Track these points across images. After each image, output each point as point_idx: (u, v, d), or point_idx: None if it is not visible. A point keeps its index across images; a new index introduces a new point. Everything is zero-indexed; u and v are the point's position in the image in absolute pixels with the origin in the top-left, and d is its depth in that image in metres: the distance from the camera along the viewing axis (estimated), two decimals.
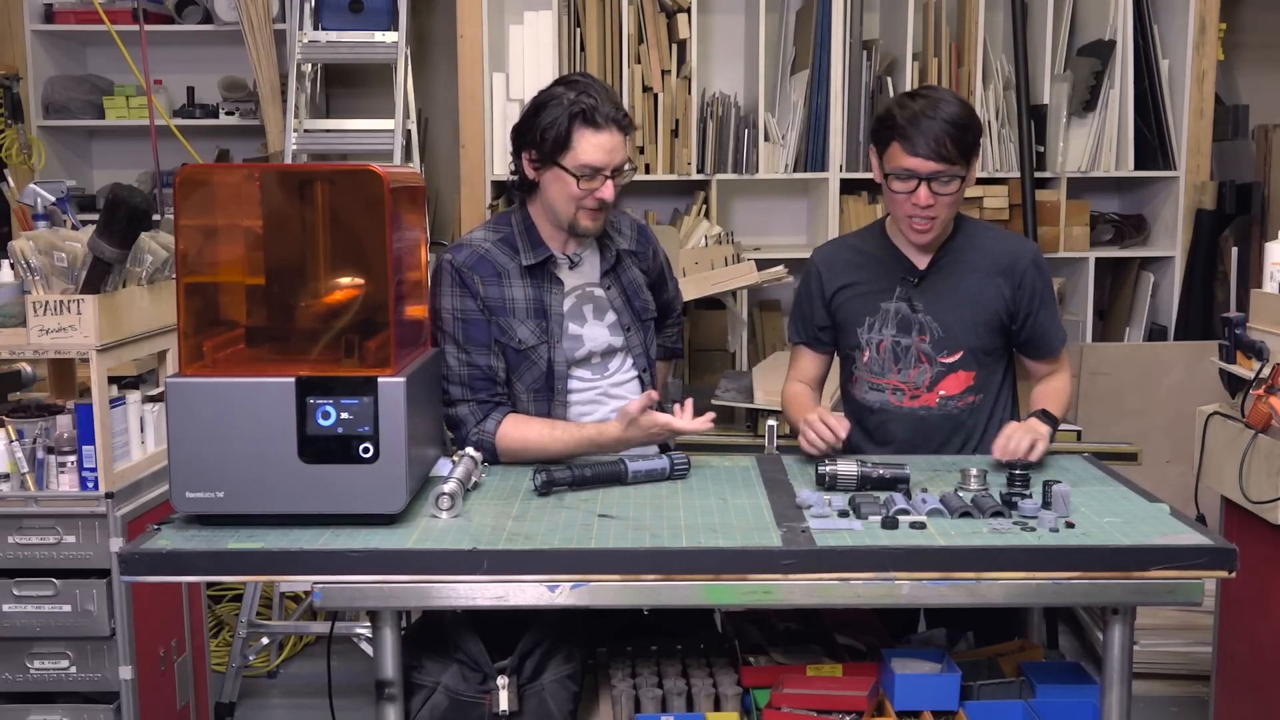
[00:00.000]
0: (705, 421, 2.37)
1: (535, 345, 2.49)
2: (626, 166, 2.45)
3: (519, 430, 2.47)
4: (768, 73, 4.53)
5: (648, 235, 2.72)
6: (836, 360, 2.74)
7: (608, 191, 2.42)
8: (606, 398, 2.58)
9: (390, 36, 4.38)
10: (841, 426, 2.43)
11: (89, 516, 2.80)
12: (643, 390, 2.60)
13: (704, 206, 4.52)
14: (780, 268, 4.06)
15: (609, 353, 2.58)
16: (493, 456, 2.46)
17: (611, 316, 2.58)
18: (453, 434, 2.53)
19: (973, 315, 2.56)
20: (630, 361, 2.61)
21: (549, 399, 2.52)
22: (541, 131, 2.39)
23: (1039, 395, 2.65)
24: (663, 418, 2.36)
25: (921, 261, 2.58)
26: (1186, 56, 4.50)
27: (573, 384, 2.54)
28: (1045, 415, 2.51)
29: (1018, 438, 2.36)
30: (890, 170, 2.46)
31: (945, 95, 2.48)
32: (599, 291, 2.58)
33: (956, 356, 2.56)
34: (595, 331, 2.56)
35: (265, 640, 3.86)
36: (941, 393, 2.57)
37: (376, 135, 4.40)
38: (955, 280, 2.57)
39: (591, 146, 2.38)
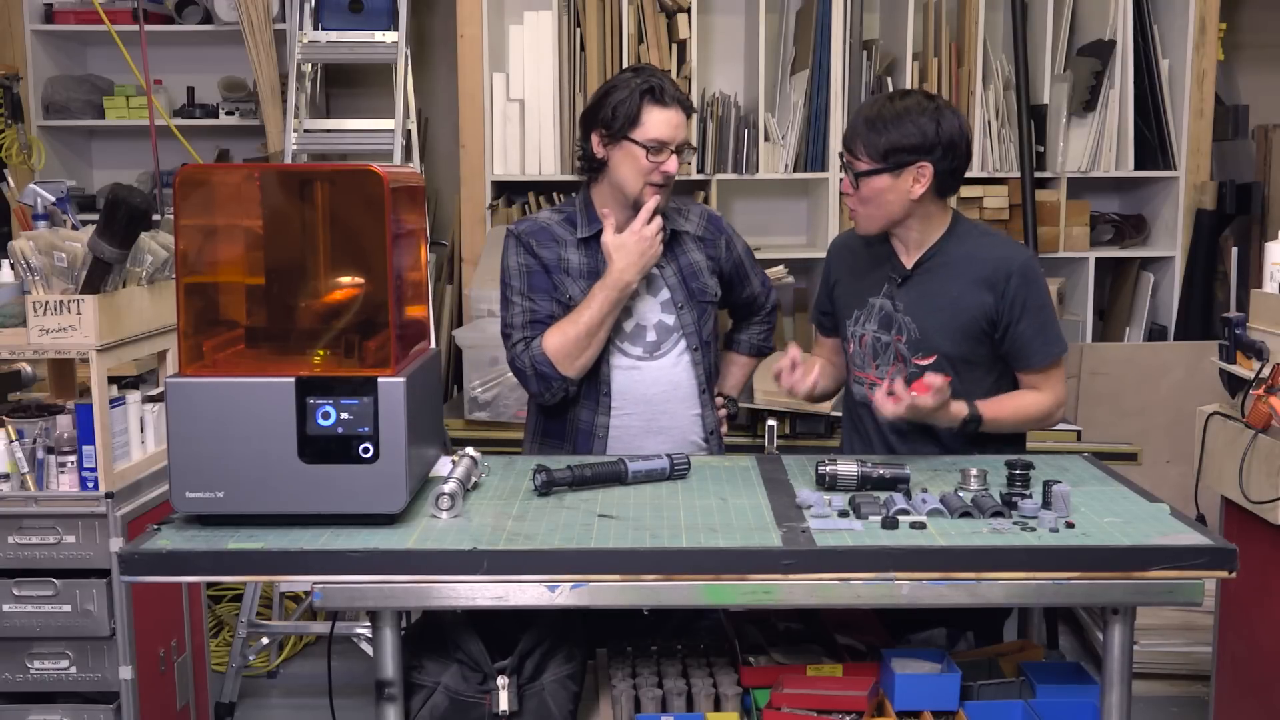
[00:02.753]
0: (651, 205, 2.59)
1: None
2: (688, 148, 2.65)
3: (558, 332, 2.59)
4: (768, 73, 4.52)
5: (720, 225, 2.86)
6: None
7: (672, 165, 2.61)
8: (655, 371, 2.68)
9: (390, 36, 4.38)
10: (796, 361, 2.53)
11: (89, 516, 2.80)
12: (694, 369, 2.70)
13: None
14: (780, 268, 4.05)
15: (661, 330, 2.69)
16: (560, 376, 2.58)
17: (665, 294, 2.71)
18: (520, 382, 2.67)
19: (951, 320, 2.51)
20: (683, 343, 2.70)
21: (596, 359, 2.62)
22: (613, 109, 2.59)
23: (995, 399, 2.53)
24: (634, 224, 2.58)
25: (908, 260, 2.57)
26: (1186, 56, 4.50)
27: (622, 361, 2.66)
28: (970, 407, 2.44)
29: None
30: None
31: (895, 95, 2.51)
32: (652, 269, 2.67)
33: (930, 360, 2.52)
34: (645, 307, 2.69)
35: (265, 640, 3.86)
36: (914, 394, 2.47)
37: (376, 135, 4.40)
38: (938, 283, 2.53)
39: (659, 121, 2.58)
